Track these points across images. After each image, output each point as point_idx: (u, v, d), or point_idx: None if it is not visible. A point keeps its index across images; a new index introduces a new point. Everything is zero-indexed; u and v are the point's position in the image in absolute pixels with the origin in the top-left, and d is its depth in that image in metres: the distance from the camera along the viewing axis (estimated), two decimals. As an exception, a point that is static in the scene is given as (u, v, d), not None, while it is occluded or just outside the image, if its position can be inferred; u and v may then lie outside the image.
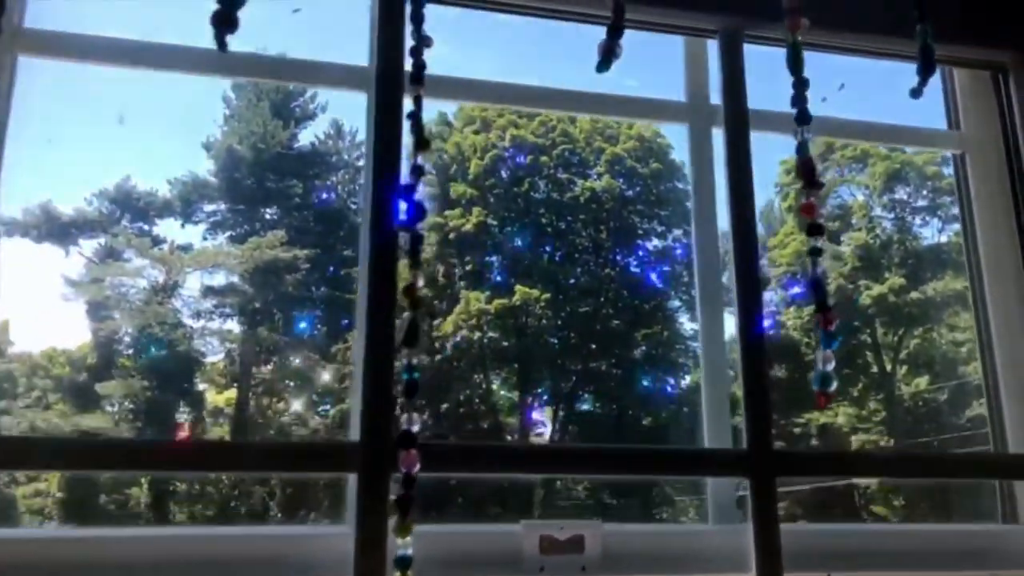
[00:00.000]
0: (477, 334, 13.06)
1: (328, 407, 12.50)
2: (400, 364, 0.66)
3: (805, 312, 12.69)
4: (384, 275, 0.93)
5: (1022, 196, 0.92)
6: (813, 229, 0.71)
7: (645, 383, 13.58)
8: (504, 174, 14.23)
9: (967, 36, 0.96)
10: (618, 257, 14.71)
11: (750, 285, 0.82)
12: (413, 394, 0.66)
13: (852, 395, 11.72)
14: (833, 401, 0.64)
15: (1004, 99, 0.98)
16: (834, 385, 0.69)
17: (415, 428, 0.66)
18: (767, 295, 14.05)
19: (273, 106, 13.33)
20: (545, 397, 13.81)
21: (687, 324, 13.96)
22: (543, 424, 13.47)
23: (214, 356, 12.53)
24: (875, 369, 12.02)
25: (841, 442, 11.63)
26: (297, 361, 13.21)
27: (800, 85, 0.75)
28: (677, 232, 14.77)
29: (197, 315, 13.18)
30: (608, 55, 0.77)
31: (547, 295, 13.22)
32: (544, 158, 13.97)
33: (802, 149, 0.72)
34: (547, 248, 14.06)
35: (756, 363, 0.80)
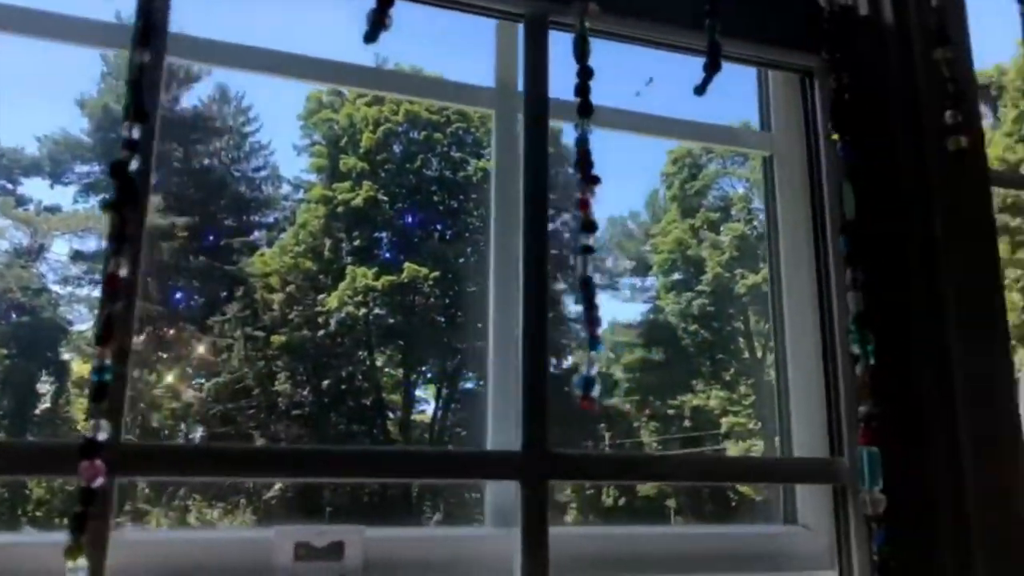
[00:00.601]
0: (363, 310, 12.87)
1: (203, 380, 12.09)
2: (93, 364, 0.59)
3: (683, 297, 13.08)
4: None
5: (818, 202, 0.92)
6: (586, 226, 0.67)
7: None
8: (397, 149, 14.04)
9: (780, 38, 0.96)
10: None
11: (537, 278, 0.79)
12: (102, 398, 0.59)
13: (724, 379, 12.21)
14: (594, 406, 0.61)
15: (809, 103, 0.98)
16: (598, 389, 0.66)
17: (102, 436, 0.59)
18: (649, 280, 14.39)
19: (153, 65, 12.64)
20: (430, 375, 13.78)
21: (571, 306, 14.14)
22: (426, 402, 13.45)
23: (81, 324, 11.97)
24: (746, 355, 12.53)
25: (715, 423, 12.08)
26: (171, 332, 12.71)
27: (584, 74, 0.72)
28: (566, 216, 14.92)
29: (64, 281, 12.54)
30: (376, 26, 0.72)
31: (436, 273, 13.15)
32: (438, 135, 13.83)
33: (581, 142, 0.69)
34: (438, 226, 13.97)
35: (536, 360, 0.77)
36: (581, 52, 0.73)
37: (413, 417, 13.23)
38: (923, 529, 0.87)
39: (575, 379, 0.67)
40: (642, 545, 0.87)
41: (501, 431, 0.86)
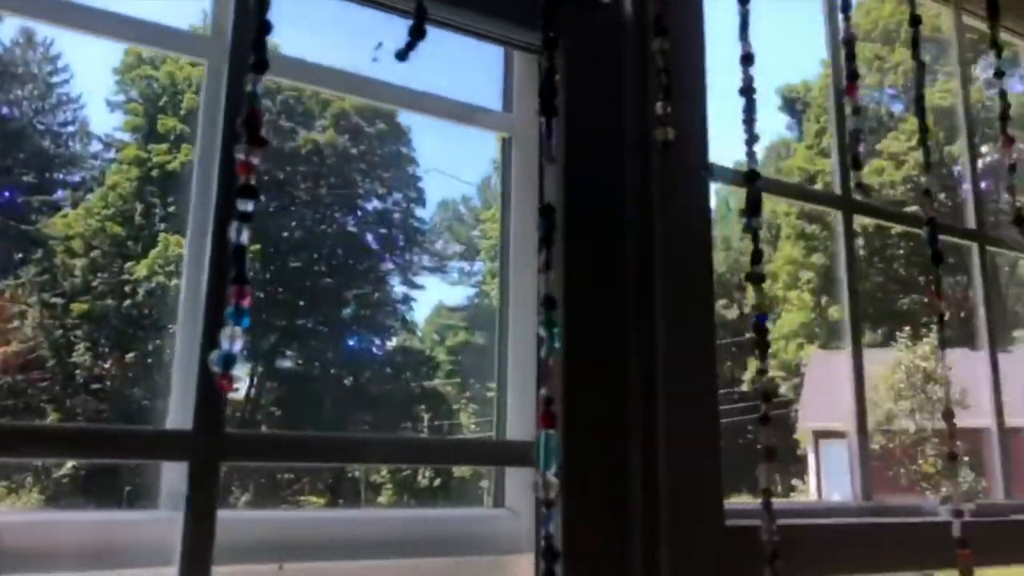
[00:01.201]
0: (175, 281, 12.22)
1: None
2: None
3: (509, 284, 13.28)
4: None
5: (543, 185, 0.90)
6: (244, 191, 0.61)
7: (351, 343, 13.52)
8: (221, 113, 13.37)
9: (514, 14, 0.93)
10: (336, 214, 14.45)
11: (220, 244, 0.72)
12: None
13: (543, 366, 12.57)
14: (232, 385, 0.57)
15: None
16: (237, 367, 0.60)
17: None
18: (476, 265, 14.52)
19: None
20: (245, 352, 13.30)
21: (398, 287, 14.05)
22: (240, 380, 13.00)
23: None
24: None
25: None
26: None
27: (262, 29, 0.65)
28: (398, 196, 14.77)
29: None
30: None
31: (257, 246, 12.66)
32: (267, 102, 13.29)
33: (252, 99, 0.63)
34: (261, 198, 13.46)
35: (210, 335, 0.71)
36: (260, 5, 0.67)
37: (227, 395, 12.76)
38: (613, 515, 0.88)
39: (213, 356, 0.61)
40: (336, 528, 0.83)
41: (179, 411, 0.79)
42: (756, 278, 0.92)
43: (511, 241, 1.02)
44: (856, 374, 1.30)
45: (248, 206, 0.64)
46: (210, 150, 0.84)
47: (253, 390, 13.65)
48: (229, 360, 0.61)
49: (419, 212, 14.66)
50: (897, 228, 1.49)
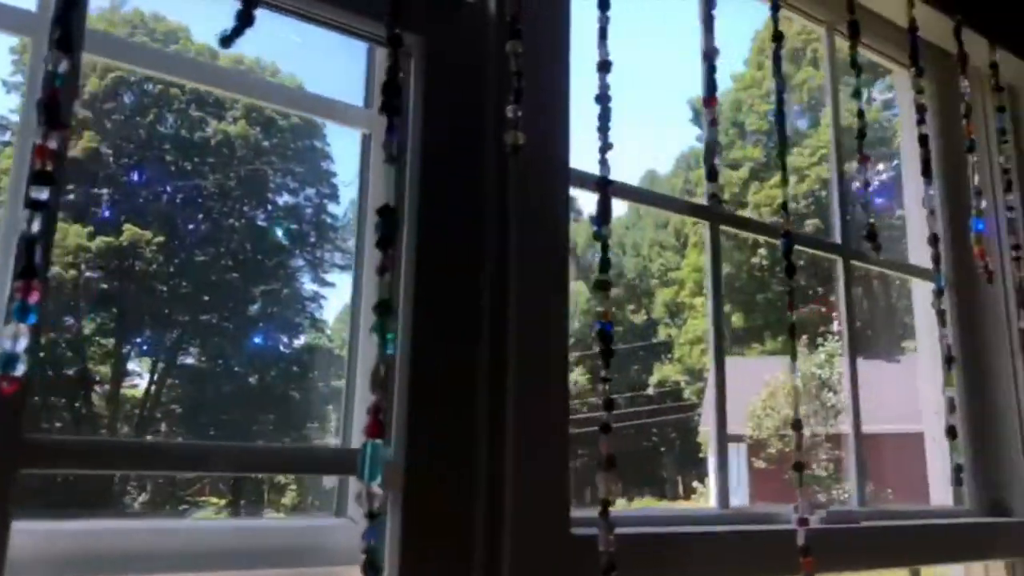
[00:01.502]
0: (72, 272, 11.70)
1: None
2: None
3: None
4: None
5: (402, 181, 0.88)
6: (39, 178, 0.57)
7: (257, 341, 13.19)
8: (127, 99, 12.90)
9: (371, 9, 0.90)
10: (245, 208, 14.08)
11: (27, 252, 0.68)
12: None
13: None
14: (16, 386, 0.53)
15: (411, 81, 0.94)
16: (21, 367, 0.56)
17: None
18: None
19: None
20: (145, 347, 12.83)
21: (308, 284, 13.78)
22: (140, 376, 12.53)
23: None
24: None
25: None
26: None
27: (70, 2, 0.61)
28: (310, 191, 14.49)
29: None
30: None
31: (161, 238, 12.24)
32: (175, 90, 12.87)
33: (52, 79, 0.58)
34: (167, 188, 13.01)
35: None
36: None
37: (123, 391, 12.28)
38: (454, 526, 0.87)
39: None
40: (157, 539, 0.78)
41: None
42: (603, 285, 0.92)
43: (366, 242, 0.99)
44: (719, 388, 1.32)
45: (43, 194, 0.60)
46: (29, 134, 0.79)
47: (153, 387, 13.20)
48: (10, 360, 0.57)
49: (332, 208, 14.42)
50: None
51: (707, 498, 10.98)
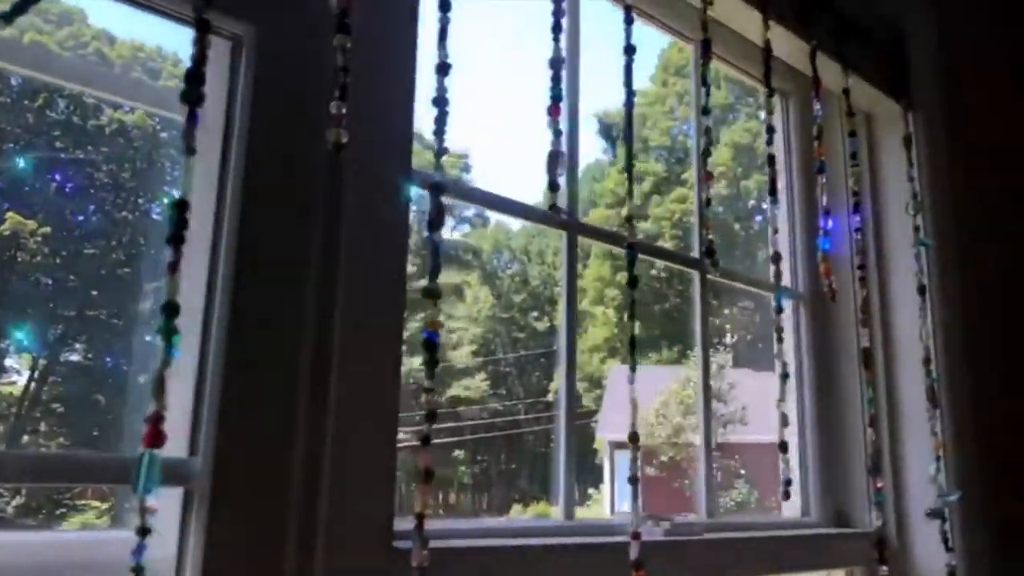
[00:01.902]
0: None
1: None
2: None
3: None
4: None
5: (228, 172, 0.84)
6: None
7: (148, 339, 12.72)
8: (14, 82, 12.26)
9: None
10: (140, 201, 13.58)
11: None
12: None
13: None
14: None
15: (241, 72, 0.90)
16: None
17: None
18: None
19: None
20: (25, 343, 12.21)
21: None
22: (18, 372, 11.89)
23: None
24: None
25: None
26: None
27: None
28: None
29: None
30: None
31: (47, 229, 11.65)
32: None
33: None
34: (57, 177, 12.43)
35: None
36: None
37: (-1, 388, 11.65)
38: (265, 540, 0.83)
39: None
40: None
41: None
42: (431, 293, 0.89)
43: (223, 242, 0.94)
44: (568, 392, 1.31)
45: None
46: None
47: (33, 384, 12.55)
48: None
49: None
50: (694, 252, 1.54)
51: (602, 505, 11.15)
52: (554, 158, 1.03)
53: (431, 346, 0.88)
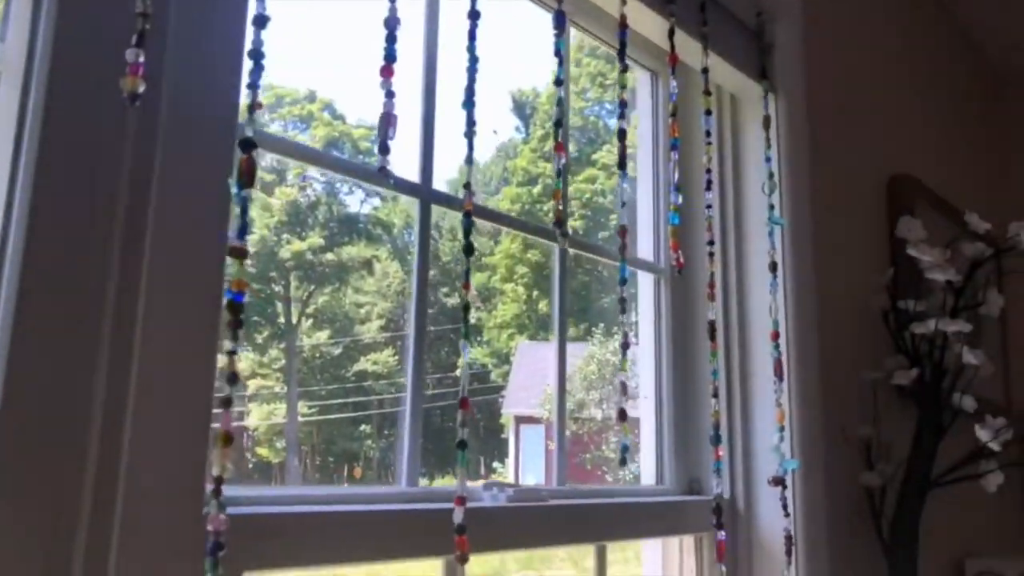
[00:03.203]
0: None
1: None
2: None
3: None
4: None
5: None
6: None
7: None
8: None
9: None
10: None
11: None
12: None
13: (256, 342, 12.01)
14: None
15: (42, 18, 0.85)
16: None
17: None
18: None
19: None
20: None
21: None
22: None
23: None
24: (281, 320, 12.48)
25: (242, 385, 11.82)
26: None
27: None
28: None
29: None
30: None
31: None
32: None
33: None
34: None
35: None
36: None
37: None
38: (52, 524, 0.79)
39: None
40: None
41: None
42: (236, 252, 0.87)
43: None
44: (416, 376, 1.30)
45: None
46: None
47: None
48: None
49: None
50: (604, 233, 1.55)
51: (506, 477, 11.27)
52: (385, 120, 1.01)
53: (235, 307, 0.86)
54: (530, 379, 10.79)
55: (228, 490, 0.86)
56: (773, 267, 1.67)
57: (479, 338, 14.80)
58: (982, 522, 2.48)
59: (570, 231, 1.53)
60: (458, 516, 1.06)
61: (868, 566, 1.87)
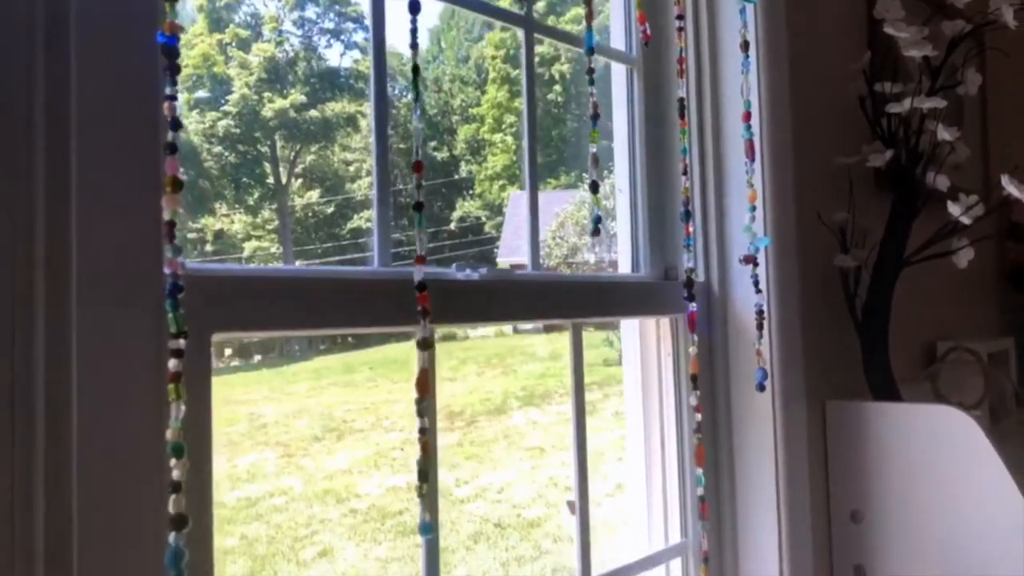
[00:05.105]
0: None
1: None
2: None
3: (208, 116, 12.34)
4: None
5: None
6: None
7: None
8: None
9: None
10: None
11: None
12: None
13: (247, 204, 11.98)
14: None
15: None
16: None
17: None
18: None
19: None
20: None
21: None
22: None
23: None
24: (271, 180, 12.39)
25: (237, 247, 11.89)
26: None
27: None
28: None
29: None
30: None
31: None
32: None
33: None
34: None
35: None
36: None
37: None
38: None
39: None
40: None
41: None
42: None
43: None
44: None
45: None
46: None
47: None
48: None
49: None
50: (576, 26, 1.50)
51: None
52: None
53: (169, 51, 0.83)
54: (523, 228, 10.84)
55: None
56: (745, 46, 1.63)
57: (471, 191, 14.73)
58: (954, 309, 2.54)
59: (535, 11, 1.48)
60: (418, 274, 1.08)
61: (841, 346, 1.93)
